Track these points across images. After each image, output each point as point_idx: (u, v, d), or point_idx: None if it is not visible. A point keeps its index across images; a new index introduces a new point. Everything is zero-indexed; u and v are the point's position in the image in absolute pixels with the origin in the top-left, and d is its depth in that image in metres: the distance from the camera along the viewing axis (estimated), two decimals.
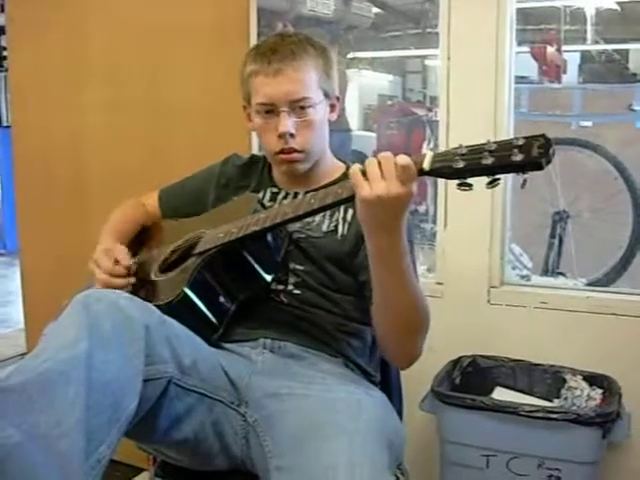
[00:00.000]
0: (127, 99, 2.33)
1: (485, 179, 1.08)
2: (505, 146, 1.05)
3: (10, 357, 3.41)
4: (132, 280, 1.47)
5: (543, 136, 1.02)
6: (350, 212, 1.48)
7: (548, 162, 1.02)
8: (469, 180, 1.09)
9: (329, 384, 1.34)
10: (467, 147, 1.09)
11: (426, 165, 1.12)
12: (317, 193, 1.30)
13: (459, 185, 1.11)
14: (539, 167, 1.02)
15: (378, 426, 1.24)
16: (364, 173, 1.15)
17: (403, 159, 1.13)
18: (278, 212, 1.35)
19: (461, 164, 1.08)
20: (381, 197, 1.13)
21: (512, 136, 1.89)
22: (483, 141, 1.08)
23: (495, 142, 1.06)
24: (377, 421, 1.26)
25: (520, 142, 1.03)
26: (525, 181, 1.08)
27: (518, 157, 1.03)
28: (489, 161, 1.05)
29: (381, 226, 1.18)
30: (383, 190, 1.13)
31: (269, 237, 1.43)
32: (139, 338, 1.16)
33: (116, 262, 1.46)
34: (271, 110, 1.45)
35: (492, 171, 1.06)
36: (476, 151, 1.07)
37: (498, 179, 1.07)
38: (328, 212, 1.49)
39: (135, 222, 1.69)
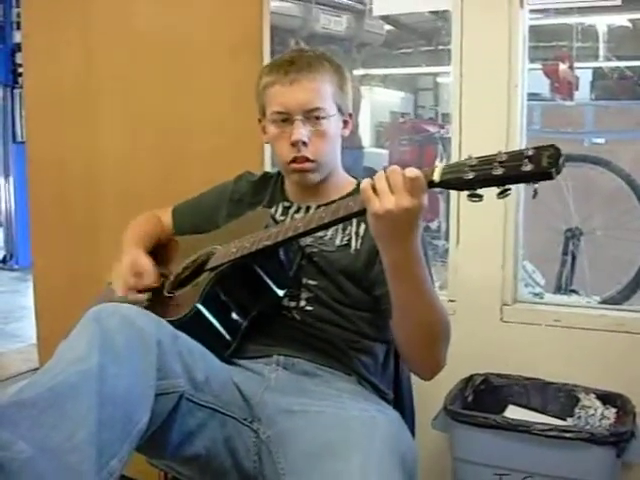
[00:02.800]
0: (141, 116, 2.34)
1: (495, 190, 1.08)
2: (515, 156, 1.05)
3: (22, 372, 3.41)
4: (145, 297, 1.49)
5: (553, 146, 1.03)
6: (363, 226, 1.48)
7: (558, 172, 1.02)
8: (479, 191, 1.10)
9: (343, 402, 1.34)
10: (477, 158, 1.09)
11: (436, 177, 1.13)
12: (329, 207, 1.31)
13: (469, 196, 1.11)
14: (549, 177, 1.02)
15: (392, 444, 1.23)
16: (374, 188, 1.16)
17: (411, 171, 1.13)
18: (290, 226, 1.35)
19: (471, 175, 1.08)
20: (391, 211, 1.13)
21: None
22: (493, 152, 1.08)
23: (505, 153, 1.07)
24: (391, 439, 1.25)
25: (530, 152, 1.04)
26: (536, 191, 1.08)
27: (528, 167, 1.03)
28: (499, 172, 1.06)
29: (395, 240, 1.18)
30: (392, 204, 1.13)
31: (281, 252, 1.43)
32: (151, 352, 1.17)
33: (139, 275, 1.49)
34: (286, 119, 1.47)
35: (502, 181, 1.07)
36: (486, 162, 1.08)
37: (509, 189, 1.08)
38: (341, 226, 1.49)
39: (155, 232, 1.70)
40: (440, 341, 1.34)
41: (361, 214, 1.23)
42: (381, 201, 1.14)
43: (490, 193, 1.10)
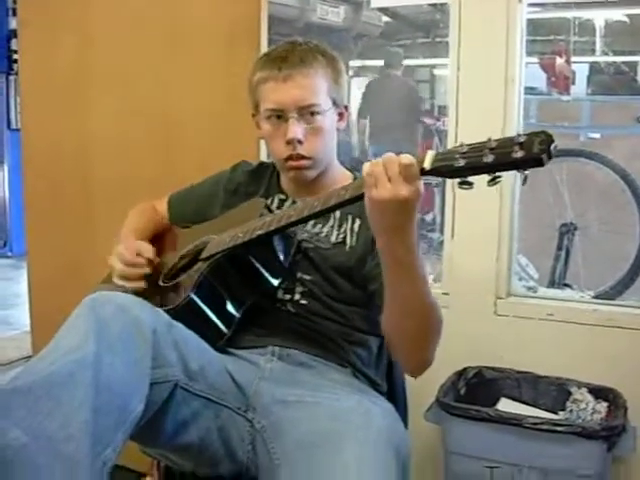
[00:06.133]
0: (136, 105, 2.33)
1: (486, 178, 1.08)
2: (506, 143, 1.04)
3: (15, 360, 3.41)
4: (147, 270, 1.49)
5: (544, 132, 1.01)
6: (358, 223, 1.48)
7: (549, 157, 1.01)
8: (470, 179, 1.09)
9: (338, 393, 1.34)
10: (468, 145, 1.09)
11: (427, 164, 1.12)
12: (320, 196, 1.30)
13: (460, 184, 1.10)
14: (540, 163, 1.01)
15: (387, 436, 1.24)
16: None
17: (407, 158, 1.12)
18: (283, 215, 1.35)
19: (462, 162, 1.07)
20: (387, 199, 1.13)
21: None
22: (484, 139, 1.08)
23: (496, 140, 1.06)
24: (386, 431, 1.25)
25: (521, 139, 1.02)
26: (526, 178, 1.07)
27: (519, 154, 1.02)
28: (490, 159, 1.04)
29: (391, 227, 1.17)
30: (388, 192, 1.12)
31: (276, 241, 1.43)
32: (146, 341, 1.17)
33: (138, 255, 1.48)
34: (280, 116, 1.46)
35: (493, 168, 1.05)
36: (477, 149, 1.07)
37: (499, 177, 1.07)
38: (336, 223, 1.49)
39: (152, 223, 1.70)
40: (431, 336, 1.32)
41: (352, 202, 1.23)
42: (378, 188, 1.13)
43: (482, 183, 1.09)
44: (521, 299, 2.02)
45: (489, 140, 1.06)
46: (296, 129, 1.44)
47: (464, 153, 1.08)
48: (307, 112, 1.45)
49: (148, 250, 1.49)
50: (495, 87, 1.92)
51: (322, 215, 1.37)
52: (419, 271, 1.24)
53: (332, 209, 1.29)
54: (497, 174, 1.06)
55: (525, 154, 1.01)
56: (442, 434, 1.80)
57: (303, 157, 1.47)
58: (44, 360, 1.09)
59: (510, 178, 1.88)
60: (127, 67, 2.35)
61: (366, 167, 1.16)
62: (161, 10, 2.29)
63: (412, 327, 1.30)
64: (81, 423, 1.02)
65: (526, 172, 1.05)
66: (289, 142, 1.45)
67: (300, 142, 1.45)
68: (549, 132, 1.01)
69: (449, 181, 1.90)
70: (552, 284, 2.84)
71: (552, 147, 1.00)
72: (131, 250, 1.48)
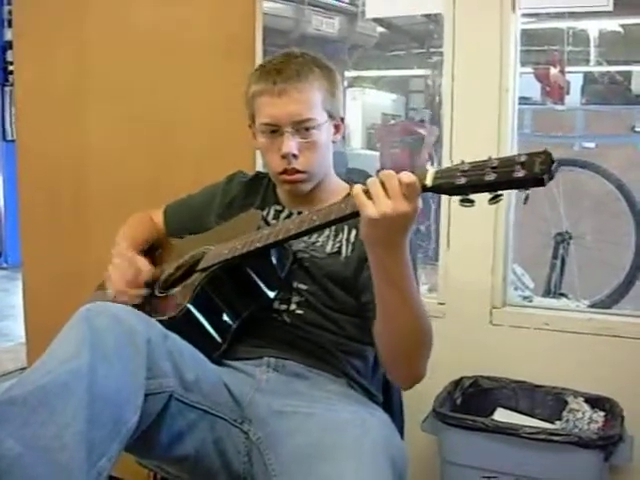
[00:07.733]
0: (132, 116, 2.33)
1: (487, 195, 1.08)
2: (507, 162, 1.04)
3: (10, 371, 3.39)
4: (144, 292, 1.49)
5: (545, 152, 1.02)
6: (354, 233, 1.48)
7: (550, 178, 1.01)
8: (471, 196, 1.09)
9: (334, 404, 1.34)
10: (469, 163, 1.09)
11: (428, 181, 1.12)
12: (320, 210, 1.30)
13: (461, 201, 1.10)
14: (541, 183, 1.02)
15: (383, 447, 1.23)
16: (367, 192, 1.15)
17: (407, 176, 1.12)
18: (281, 228, 1.35)
19: (463, 180, 1.07)
20: (388, 215, 1.12)
21: None
22: (485, 157, 1.08)
23: (497, 158, 1.06)
24: (382, 442, 1.25)
25: (522, 158, 1.03)
26: (527, 197, 1.08)
27: (520, 173, 1.02)
28: (491, 177, 1.05)
29: (385, 243, 1.17)
30: (389, 208, 1.12)
31: (272, 253, 1.42)
32: (141, 352, 1.16)
33: (138, 272, 1.48)
34: (275, 130, 1.46)
35: (494, 187, 1.06)
36: (478, 167, 1.07)
37: (500, 195, 1.07)
38: (332, 233, 1.49)
39: (149, 233, 1.69)
40: (421, 350, 1.32)
41: (353, 217, 1.22)
42: (377, 205, 1.13)
43: (482, 198, 1.10)
44: (517, 309, 2.02)
45: (490, 159, 1.06)
46: (291, 144, 1.44)
47: (465, 171, 1.08)
48: (302, 127, 1.45)
49: (146, 270, 1.50)
50: (489, 97, 1.92)
51: (321, 229, 1.38)
52: (410, 286, 1.24)
53: (332, 223, 1.29)
54: (498, 192, 1.06)
55: (526, 174, 1.02)
56: (438, 444, 1.80)
57: (298, 171, 1.47)
58: (39, 370, 1.09)
59: None
60: (123, 78, 2.35)
61: (357, 187, 1.16)
62: (158, 22, 2.29)
63: (402, 342, 1.30)
64: (75, 433, 1.02)
65: (527, 191, 1.05)
66: (284, 156, 1.45)
67: (295, 156, 1.45)
68: (549, 152, 1.02)
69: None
70: (548, 293, 2.85)
71: (553, 167, 1.01)
72: (131, 264, 1.49)
